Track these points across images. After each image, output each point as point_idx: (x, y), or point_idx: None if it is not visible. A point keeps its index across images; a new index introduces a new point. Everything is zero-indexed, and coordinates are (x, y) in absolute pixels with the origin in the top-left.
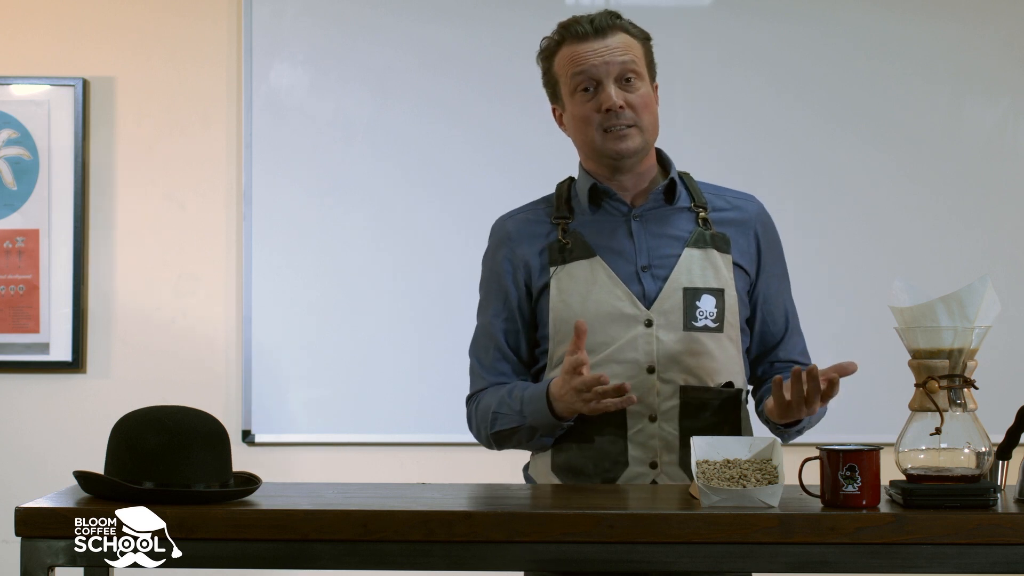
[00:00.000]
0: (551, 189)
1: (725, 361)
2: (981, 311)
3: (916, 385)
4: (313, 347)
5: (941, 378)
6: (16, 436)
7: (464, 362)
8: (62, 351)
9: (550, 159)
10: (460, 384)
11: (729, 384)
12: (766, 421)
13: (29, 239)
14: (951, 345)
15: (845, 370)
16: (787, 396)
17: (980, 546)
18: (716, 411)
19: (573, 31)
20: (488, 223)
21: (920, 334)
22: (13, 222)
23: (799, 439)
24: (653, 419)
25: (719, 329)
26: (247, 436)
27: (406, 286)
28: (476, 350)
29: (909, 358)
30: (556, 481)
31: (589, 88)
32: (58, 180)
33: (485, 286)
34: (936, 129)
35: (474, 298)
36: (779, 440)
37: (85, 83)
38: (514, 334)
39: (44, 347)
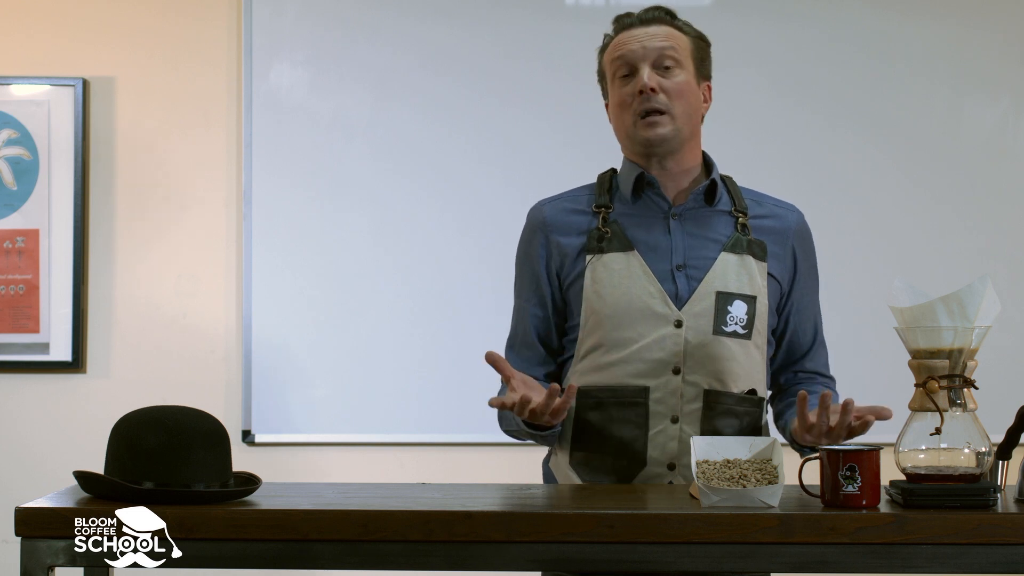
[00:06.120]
0: (551, 188)
1: (750, 368)
2: (981, 311)
3: (916, 385)
4: (313, 347)
5: (941, 378)
6: (16, 436)
7: (463, 361)
8: (62, 351)
9: (550, 159)
10: (460, 384)
11: (752, 391)
12: (791, 441)
13: (29, 239)
14: (951, 345)
15: (881, 414)
16: (812, 419)
17: (980, 546)
18: (737, 417)
19: (621, 22)
20: (488, 222)
21: (920, 334)
22: (13, 222)
23: None
24: (675, 420)
25: (747, 336)
26: (247, 436)
27: (406, 286)
28: (509, 335)
29: (909, 358)
30: (574, 476)
31: (628, 74)
32: (58, 180)
33: (519, 271)
34: (936, 129)
35: (474, 297)
36: (779, 440)
37: (85, 83)
38: (544, 321)
39: (44, 347)
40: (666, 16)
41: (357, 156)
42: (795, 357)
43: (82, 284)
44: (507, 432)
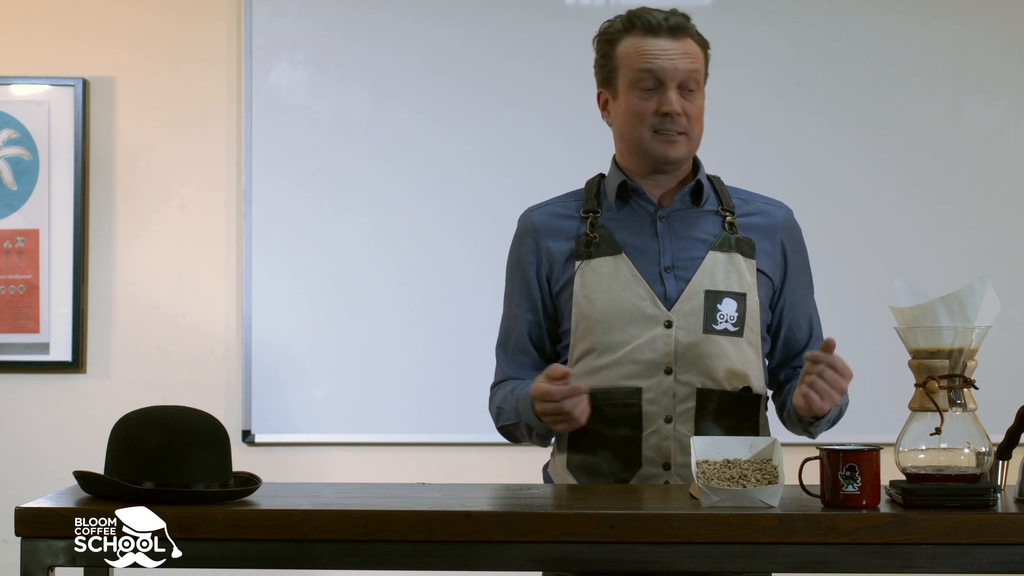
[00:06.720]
0: (551, 188)
1: (743, 365)
2: (981, 311)
3: (916, 385)
4: (313, 347)
5: (941, 378)
6: (16, 436)
7: (463, 361)
8: (62, 351)
9: (550, 159)
10: (460, 384)
11: (747, 389)
12: (798, 421)
13: (29, 239)
14: (951, 345)
15: (827, 345)
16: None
17: (980, 546)
18: (732, 415)
19: (645, 22)
20: (488, 222)
21: (920, 334)
22: (13, 222)
23: (799, 439)
24: (669, 420)
25: (739, 333)
26: (247, 436)
27: (406, 286)
28: (500, 340)
29: (909, 358)
30: (572, 480)
31: (650, 87)
32: (58, 180)
33: (510, 276)
34: (936, 129)
35: (474, 297)
36: (779, 440)
37: (85, 83)
38: (537, 326)
39: (44, 347)
40: (690, 25)
41: (357, 156)
42: (793, 353)
43: (82, 284)
44: (503, 428)
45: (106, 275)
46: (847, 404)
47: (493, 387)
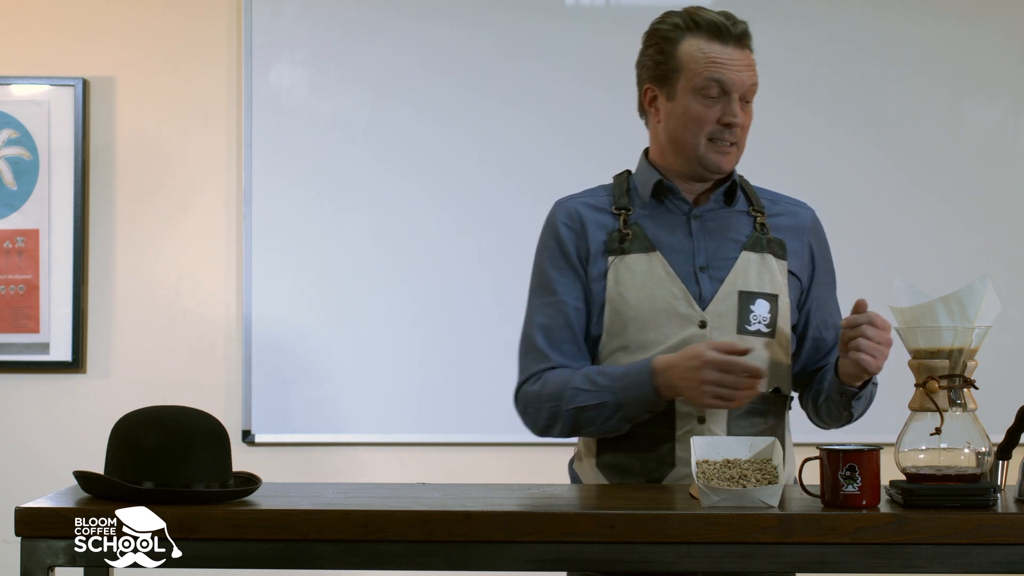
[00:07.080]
0: (551, 188)
1: (775, 366)
2: (981, 311)
3: (916, 385)
4: (313, 347)
5: (941, 378)
6: (16, 436)
7: (463, 361)
8: (62, 351)
9: (550, 159)
10: (460, 384)
11: (776, 390)
12: (840, 397)
13: (29, 239)
14: (951, 345)
15: (860, 306)
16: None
17: (980, 546)
18: (763, 415)
19: (712, 25)
20: (488, 222)
21: (920, 334)
22: (13, 222)
23: (798, 439)
24: (702, 420)
25: (771, 334)
26: (247, 436)
27: (406, 286)
28: (540, 329)
29: (909, 358)
30: (602, 479)
31: (715, 95)
32: (58, 180)
33: (549, 265)
34: (936, 129)
35: (474, 297)
36: (779, 440)
37: (85, 83)
38: (584, 314)
39: (44, 347)
40: (751, 34)
41: (357, 156)
42: (823, 353)
43: (82, 284)
44: (569, 411)
45: (106, 275)
46: (876, 386)
47: (533, 376)
